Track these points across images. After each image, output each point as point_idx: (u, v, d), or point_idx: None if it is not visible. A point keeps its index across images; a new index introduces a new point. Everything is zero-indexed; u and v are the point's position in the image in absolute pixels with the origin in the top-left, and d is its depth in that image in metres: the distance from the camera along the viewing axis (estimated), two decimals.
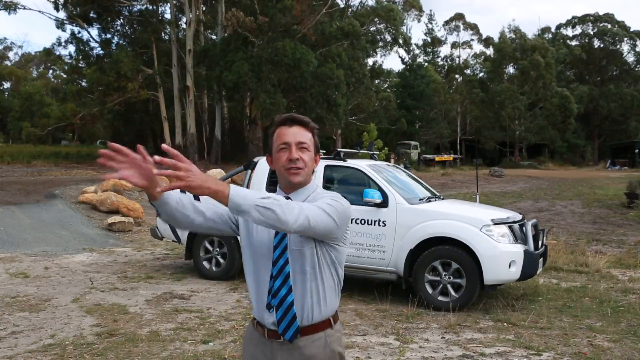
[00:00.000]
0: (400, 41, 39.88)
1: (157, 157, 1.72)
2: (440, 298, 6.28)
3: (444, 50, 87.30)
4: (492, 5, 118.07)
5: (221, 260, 7.61)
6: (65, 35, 57.85)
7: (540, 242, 6.61)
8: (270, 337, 2.02)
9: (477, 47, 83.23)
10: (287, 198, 1.96)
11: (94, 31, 50.48)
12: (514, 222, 6.44)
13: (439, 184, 23.34)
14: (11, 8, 27.97)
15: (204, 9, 33.17)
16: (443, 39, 61.04)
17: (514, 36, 49.81)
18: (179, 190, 1.86)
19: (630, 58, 56.68)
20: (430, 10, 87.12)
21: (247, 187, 7.73)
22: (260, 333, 2.05)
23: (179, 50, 29.46)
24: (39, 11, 61.59)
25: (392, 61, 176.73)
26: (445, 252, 6.29)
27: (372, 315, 5.99)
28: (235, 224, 2.08)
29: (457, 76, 58.60)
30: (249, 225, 2.04)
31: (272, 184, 7.41)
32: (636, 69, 56.55)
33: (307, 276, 1.99)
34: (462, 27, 59.27)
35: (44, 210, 11.99)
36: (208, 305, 6.30)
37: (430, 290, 6.34)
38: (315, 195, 2.06)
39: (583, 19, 57.89)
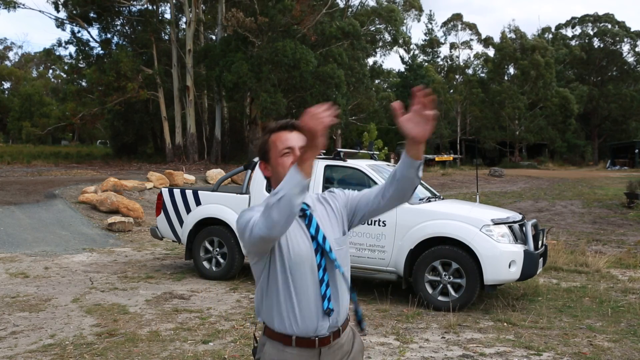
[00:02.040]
0: (401, 41, 39.88)
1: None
2: (440, 298, 6.28)
3: (444, 50, 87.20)
4: (489, 5, 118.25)
5: (221, 260, 7.61)
6: (65, 35, 57.96)
7: (540, 242, 6.61)
8: (321, 344, 1.97)
9: (477, 47, 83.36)
10: (304, 203, 1.99)
11: (94, 31, 50.54)
12: (514, 222, 6.45)
13: (439, 184, 23.34)
14: (11, 5, 27.95)
15: (203, 9, 33.17)
16: (442, 39, 61.07)
17: (514, 36, 49.80)
18: None
19: (630, 58, 56.66)
20: (430, 10, 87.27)
21: (247, 187, 7.73)
22: (303, 347, 1.96)
23: (179, 50, 29.46)
24: (39, 11, 61.73)
25: (392, 61, 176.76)
26: (445, 252, 6.30)
27: (372, 315, 5.99)
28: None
29: (457, 76, 58.60)
30: (288, 234, 1.96)
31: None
32: (636, 69, 56.53)
33: (343, 275, 2.02)
34: (460, 27, 59.27)
35: (44, 210, 11.99)
36: (208, 305, 6.30)
37: (430, 290, 6.34)
38: (314, 197, 2.11)
39: (583, 19, 57.88)
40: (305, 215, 2.01)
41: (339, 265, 1.98)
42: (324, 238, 1.98)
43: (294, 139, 2.00)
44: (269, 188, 7.31)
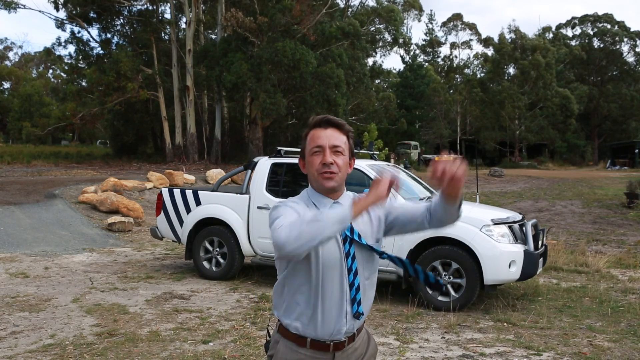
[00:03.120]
0: (401, 41, 39.90)
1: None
2: (440, 298, 6.28)
3: (444, 50, 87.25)
4: (489, 5, 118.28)
5: (221, 260, 7.61)
6: (65, 35, 57.96)
7: (540, 242, 6.61)
8: (335, 349, 1.95)
9: (477, 47, 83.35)
10: (337, 204, 1.95)
11: (94, 31, 50.59)
12: (514, 222, 6.44)
13: None
14: (11, 6, 27.95)
15: (203, 9, 33.17)
16: (442, 39, 61.12)
17: (514, 36, 49.81)
18: None
19: (630, 58, 56.65)
20: (431, 10, 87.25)
21: (247, 187, 7.73)
22: (316, 349, 1.94)
23: (179, 50, 29.46)
24: (39, 11, 61.74)
25: (392, 61, 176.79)
26: (445, 252, 6.29)
27: (372, 315, 5.98)
28: None
29: (457, 76, 58.61)
30: None
31: (272, 185, 7.41)
32: (636, 69, 56.52)
33: (369, 280, 2.01)
34: (460, 27, 59.33)
35: (44, 210, 11.99)
36: (208, 305, 6.30)
37: (430, 291, 6.34)
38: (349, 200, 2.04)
39: (583, 19, 57.88)
40: None
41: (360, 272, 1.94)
42: (360, 236, 1.93)
43: (327, 137, 1.94)
44: (269, 188, 7.33)
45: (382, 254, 1.96)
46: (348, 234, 1.92)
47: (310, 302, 1.91)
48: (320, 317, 1.91)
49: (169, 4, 30.50)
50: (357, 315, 1.93)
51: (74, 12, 29.81)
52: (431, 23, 61.48)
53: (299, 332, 1.93)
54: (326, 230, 1.67)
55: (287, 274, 1.95)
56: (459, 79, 57.58)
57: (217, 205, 7.68)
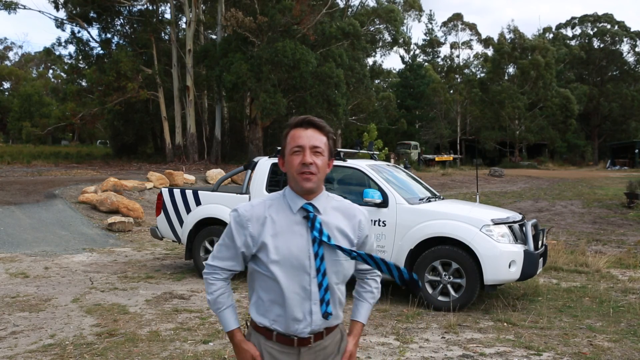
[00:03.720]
0: (401, 41, 39.91)
1: None
2: (440, 298, 6.28)
3: (444, 50, 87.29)
4: (488, 5, 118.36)
5: None
6: (65, 35, 57.99)
7: (540, 242, 6.61)
8: (300, 344, 1.99)
9: (477, 47, 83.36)
10: (310, 205, 1.98)
11: (94, 31, 50.61)
12: (514, 222, 6.44)
13: (439, 184, 23.35)
14: (11, 7, 27.95)
15: (203, 9, 33.17)
16: (442, 39, 61.13)
17: (513, 36, 49.82)
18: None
19: (630, 58, 56.71)
20: (430, 10, 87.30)
21: (247, 187, 7.73)
22: (282, 343, 2.00)
23: (179, 50, 29.46)
24: (39, 11, 61.76)
25: (392, 61, 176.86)
26: (445, 252, 6.29)
27: (372, 315, 5.98)
28: (247, 256, 2.05)
29: (457, 76, 58.61)
30: (277, 239, 1.97)
31: (272, 185, 7.41)
32: (636, 69, 56.53)
33: (340, 285, 2.06)
34: (460, 27, 59.33)
35: (44, 210, 11.99)
36: (208, 305, 6.29)
37: (430, 290, 6.34)
38: (333, 203, 2.06)
39: (583, 19, 57.91)
40: (308, 218, 1.97)
41: (329, 273, 1.99)
42: (329, 237, 1.95)
43: (307, 137, 1.96)
44: (269, 188, 7.33)
45: (351, 253, 1.98)
46: (317, 235, 1.95)
47: (273, 299, 1.97)
48: (284, 314, 1.96)
49: (169, 4, 30.50)
50: (325, 315, 1.97)
51: (74, 12, 29.81)
52: (431, 23, 61.54)
53: (266, 326, 2.00)
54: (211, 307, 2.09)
55: (249, 271, 2.05)
56: (459, 79, 57.57)
57: (217, 205, 7.67)
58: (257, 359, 2.00)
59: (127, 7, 31.56)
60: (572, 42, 58.03)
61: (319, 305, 1.96)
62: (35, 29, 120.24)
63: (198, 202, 7.84)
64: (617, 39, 55.30)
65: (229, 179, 14.89)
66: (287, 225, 1.97)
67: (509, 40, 48.85)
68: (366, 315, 2.20)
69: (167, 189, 8.28)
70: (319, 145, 1.96)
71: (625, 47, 56.40)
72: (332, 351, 2.06)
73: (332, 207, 2.04)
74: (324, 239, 1.95)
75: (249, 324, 2.10)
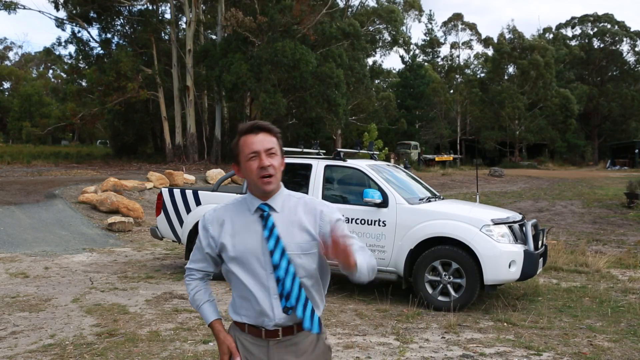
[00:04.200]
0: (401, 41, 39.91)
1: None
2: (440, 298, 6.28)
3: (444, 50, 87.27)
4: (488, 5, 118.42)
5: None
6: (65, 35, 58.00)
7: (540, 242, 6.61)
8: (267, 336, 2.06)
9: (477, 47, 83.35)
10: (265, 205, 2.07)
11: (94, 31, 50.62)
12: (514, 222, 6.44)
13: (439, 184, 23.35)
14: (11, 7, 27.96)
15: (203, 9, 33.18)
16: (442, 39, 61.13)
17: (512, 36, 49.81)
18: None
19: (630, 58, 56.70)
20: (430, 10, 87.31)
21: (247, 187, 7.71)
22: (254, 335, 2.10)
23: (179, 50, 29.46)
24: (39, 11, 61.76)
25: (392, 61, 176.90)
26: (445, 252, 6.29)
27: (372, 315, 5.99)
28: (218, 255, 2.17)
29: (457, 76, 58.61)
30: (235, 238, 2.08)
31: None
32: (636, 69, 56.53)
33: (309, 278, 2.07)
34: (460, 27, 59.33)
35: (44, 210, 11.99)
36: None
37: (430, 290, 6.34)
38: (290, 199, 2.12)
39: (583, 19, 57.91)
40: (263, 217, 2.06)
41: (293, 268, 2.02)
42: (278, 238, 2.02)
43: (259, 142, 2.04)
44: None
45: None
46: (267, 233, 2.03)
47: (241, 295, 2.09)
48: (252, 308, 2.07)
49: (169, 4, 30.50)
50: (285, 309, 2.02)
51: (74, 12, 29.81)
52: (431, 23, 61.53)
53: (239, 320, 2.13)
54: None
55: (224, 272, 2.18)
56: (459, 79, 57.58)
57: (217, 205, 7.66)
58: (232, 349, 2.12)
59: (127, 7, 31.57)
60: (572, 42, 58.02)
61: (278, 300, 2.02)
62: (35, 29, 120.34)
63: (198, 202, 7.84)
64: (617, 39, 55.30)
65: (229, 179, 14.89)
66: (244, 225, 2.08)
67: (508, 41, 48.84)
68: (361, 259, 2.00)
69: (167, 189, 8.28)
70: (272, 147, 2.05)
71: (625, 47, 56.45)
72: (305, 349, 2.09)
73: (292, 204, 2.10)
74: (273, 237, 2.02)
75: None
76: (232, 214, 2.12)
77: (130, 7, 31.83)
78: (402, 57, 54.24)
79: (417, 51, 59.03)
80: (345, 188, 7.24)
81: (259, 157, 2.02)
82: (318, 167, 7.13)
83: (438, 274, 6.32)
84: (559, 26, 60.64)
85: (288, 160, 7.38)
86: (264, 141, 2.04)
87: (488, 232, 6.16)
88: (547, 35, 59.68)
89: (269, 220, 2.04)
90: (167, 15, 32.08)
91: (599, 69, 56.83)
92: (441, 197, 7.76)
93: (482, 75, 53.92)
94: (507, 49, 47.29)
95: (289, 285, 2.00)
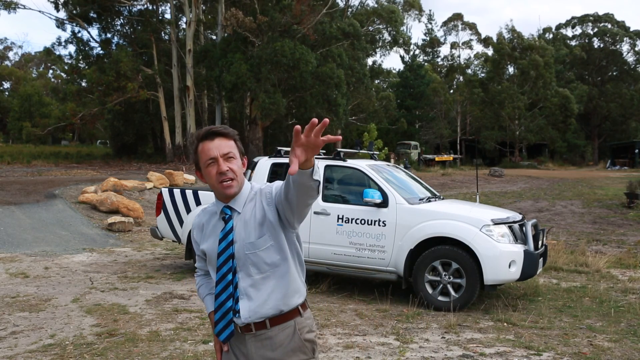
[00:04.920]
0: (400, 41, 39.90)
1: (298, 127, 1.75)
2: (440, 298, 6.28)
3: (444, 50, 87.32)
4: (487, 5, 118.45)
5: None
6: (65, 35, 57.98)
7: (540, 242, 6.61)
8: (243, 331, 2.12)
9: (477, 47, 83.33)
10: (228, 207, 2.10)
11: (94, 31, 50.64)
12: (514, 222, 6.44)
13: (439, 184, 23.34)
14: (11, 7, 27.97)
15: (203, 9, 33.17)
16: (442, 39, 61.11)
17: (511, 36, 49.81)
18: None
19: (630, 58, 56.69)
20: (430, 10, 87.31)
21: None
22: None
23: (179, 50, 29.46)
24: (39, 11, 61.78)
25: (392, 61, 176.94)
26: (445, 252, 6.29)
27: (372, 315, 5.99)
28: None
29: (457, 76, 58.61)
30: (206, 242, 2.18)
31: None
32: (636, 69, 56.53)
33: (268, 274, 2.09)
34: (460, 27, 59.32)
35: (44, 210, 11.99)
36: None
37: (430, 290, 6.34)
38: (252, 195, 2.13)
39: (583, 19, 57.91)
40: (225, 220, 2.11)
41: (239, 273, 2.08)
42: (230, 243, 2.07)
43: (216, 148, 2.06)
44: None
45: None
46: (221, 235, 2.09)
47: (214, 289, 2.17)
48: (217, 302, 2.13)
49: (169, 4, 30.50)
50: (234, 312, 2.09)
51: (74, 12, 29.82)
52: (430, 23, 61.54)
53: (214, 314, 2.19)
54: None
55: None
56: (460, 79, 57.57)
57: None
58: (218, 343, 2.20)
59: (127, 7, 31.57)
60: (572, 42, 58.02)
61: (232, 302, 2.09)
62: (35, 29, 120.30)
63: (198, 202, 7.84)
64: (617, 38, 55.29)
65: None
66: (213, 229, 2.16)
67: (507, 40, 48.83)
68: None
69: (167, 189, 8.28)
70: (229, 151, 2.07)
71: (625, 47, 56.45)
72: (280, 343, 2.11)
73: (250, 198, 2.13)
74: (225, 241, 2.07)
75: None
76: (208, 217, 2.21)
77: (130, 7, 31.84)
78: (402, 57, 54.29)
79: (417, 51, 59.06)
80: (346, 188, 7.24)
81: (217, 163, 2.05)
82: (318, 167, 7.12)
83: (438, 274, 6.32)
84: (559, 26, 60.65)
85: (287, 160, 7.41)
86: (220, 146, 2.06)
87: (488, 232, 6.16)
88: (547, 35, 59.69)
89: (228, 223, 2.10)
90: (167, 15, 32.11)
91: (599, 69, 56.83)
92: (441, 197, 7.76)
93: (482, 75, 53.90)
94: (507, 49, 47.27)
95: (244, 287, 2.08)
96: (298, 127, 1.73)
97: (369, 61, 42.98)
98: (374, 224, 6.59)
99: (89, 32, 37.58)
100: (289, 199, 1.95)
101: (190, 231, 7.72)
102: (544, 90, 46.64)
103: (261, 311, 2.08)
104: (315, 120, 1.73)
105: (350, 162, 7.15)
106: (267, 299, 2.08)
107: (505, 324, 5.73)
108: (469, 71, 58.07)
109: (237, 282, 2.09)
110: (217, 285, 2.10)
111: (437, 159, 39.86)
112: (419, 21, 71.43)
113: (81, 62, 33.12)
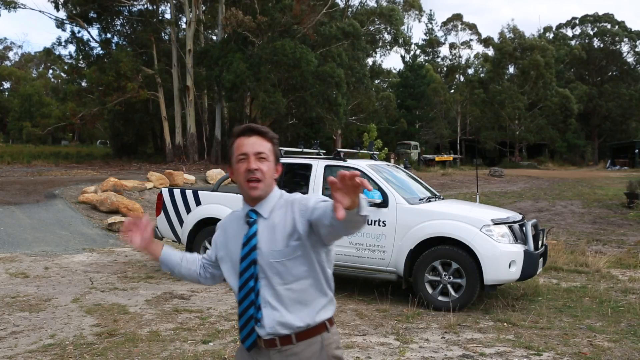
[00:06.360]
0: (401, 41, 39.90)
1: (331, 178, 1.67)
2: (440, 298, 6.28)
3: (444, 50, 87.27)
4: (486, 6, 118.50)
5: None
6: (65, 35, 57.89)
7: (540, 242, 6.61)
8: (267, 346, 2.01)
9: (477, 47, 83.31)
10: (253, 211, 2.03)
11: (94, 31, 50.58)
12: (514, 222, 6.44)
13: (439, 184, 23.34)
14: (11, 6, 27.98)
15: (203, 9, 33.18)
16: (442, 39, 61.11)
17: (512, 36, 49.81)
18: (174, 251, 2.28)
19: (630, 58, 56.72)
20: (430, 10, 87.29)
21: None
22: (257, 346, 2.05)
23: (179, 50, 29.46)
24: (39, 11, 61.60)
25: (392, 61, 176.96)
26: (445, 252, 6.29)
27: (372, 315, 5.98)
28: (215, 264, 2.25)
29: (457, 76, 58.61)
30: (227, 242, 2.11)
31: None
32: (636, 69, 56.53)
33: (291, 285, 1.99)
34: (460, 27, 59.32)
35: (44, 210, 11.98)
36: (208, 305, 6.30)
37: (430, 290, 6.34)
38: (282, 202, 2.03)
39: (583, 20, 57.94)
40: (249, 223, 2.03)
41: (261, 280, 2.00)
42: (253, 248, 1.99)
43: (250, 145, 2.00)
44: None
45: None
46: (244, 239, 2.02)
47: (236, 300, 2.08)
48: (241, 318, 2.05)
49: (169, 4, 30.50)
50: (255, 320, 2.00)
51: (74, 12, 29.81)
52: (431, 23, 61.53)
53: (239, 329, 2.09)
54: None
55: None
56: (461, 79, 57.55)
57: (217, 205, 7.67)
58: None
59: (127, 7, 31.57)
60: (572, 42, 58.02)
61: (255, 310, 2.01)
62: (35, 29, 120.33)
63: (198, 202, 7.84)
64: (617, 39, 55.30)
65: (229, 179, 14.89)
66: (236, 232, 2.08)
67: (509, 40, 48.81)
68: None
69: (167, 189, 8.28)
70: (262, 151, 2.00)
71: (625, 47, 56.47)
72: (307, 359, 2.01)
73: (280, 206, 2.04)
74: (248, 245, 2.00)
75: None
76: (234, 220, 2.14)
77: (130, 7, 31.84)
78: (402, 57, 54.29)
79: (418, 51, 59.04)
80: None
81: (247, 160, 1.99)
82: (318, 167, 7.13)
83: (438, 274, 6.32)
84: (559, 26, 60.69)
85: (288, 160, 7.41)
86: (255, 144, 2.00)
87: (488, 232, 6.16)
88: (547, 35, 59.68)
89: (252, 227, 2.02)
90: (167, 15, 32.11)
91: (599, 69, 56.84)
92: (441, 197, 7.76)
93: (482, 75, 53.91)
94: (509, 48, 47.25)
95: (266, 295, 2.00)
96: (332, 178, 1.70)
97: (369, 61, 42.99)
98: (374, 224, 6.59)
99: (89, 32, 37.60)
100: (333, 227, 1.83)
101: (190, 231, 7.74)
102: (544, 90, 46.63)
103: (286, 323, 1.98)
104: (345, 172, 1.66)
105: (350, 162, 7.15)
106: (292, 310, 1.99)
107: (505, 324, 5.73)
108: (472, 71, 58.08)
109: (259, 289, 2.00)
110: (240, 291, 2.03)
111: (437, 159, 39.85)
112: (419, 21, 71.48)
113: (81, 62, 33.14)
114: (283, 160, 7.45)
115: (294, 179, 7.37)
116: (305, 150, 8.09)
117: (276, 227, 2.00)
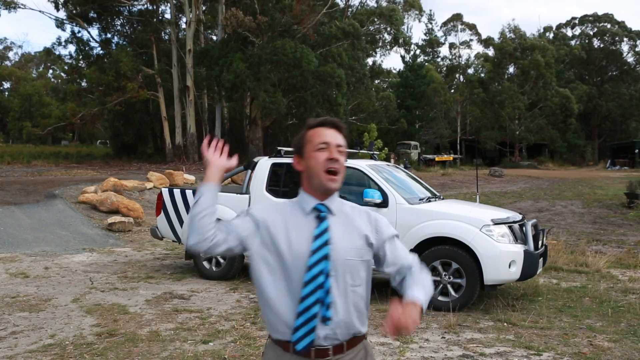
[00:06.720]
0: (401, 41, 39.91)
1: None
2: (440, 298, 6.28)
3: (444, 50, 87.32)
4: (485, 6, 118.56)
5: (221, 260, 7.60)
6: (65, 35, 57.95)
7: (540, 242, 6.61)
8: (318, 356, 1.87)
9: (477, 48, 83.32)
10: (323, 205, 1.93)
11: (94, 31, 50.58)
12: (514, 222, 6.44)
13: (439, 184, 23.34)
14: (11, 6, 28.00)
15: (203, 9, 33.19)
16: (442, 39, 61.10)
17: (513, 35, 49.81)
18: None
19: (630, 58, 56.70)
20: (430, 10, 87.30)
21: (247, 187, 7.72)
22: (299, 356, 1.88)
23: (179, 50, 29.47)
24: (39, 11, 61.58)
25: (392, 61, 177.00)
26: (445, 252, 6.29)
27: (372, 315, 5.98)
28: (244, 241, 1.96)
29: (457, 76, 58.60)
30: (288, 234, 1.90)
31: (272, 185, 7.41)
32: (636, 69, 56.53)
33: (357, 288, 1.93)
34: (460, 27, 59.32)
35: (44, 210, 11.99)
36: (208, 305, 6.30)
37: None
38: (354, 208, 2.01)
39: (583, 20, 57.94)
40: (319, 217, 1.92)
41: (334, 276, 1.87)
42: (326, 242, 1.87)
43: (332, 136, 1.95)
44: (269, 188, 7.33)
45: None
46: (317, 232, 1.89)
47: (282, 303, 1.87)
48: (295, 319, 1.86)
49: (169, 4, 30.51)
50: (323, 319, 1.84)
51: (74, 12, 29.83)
52: (430, 23, 61.50)
53: (281, 338, 1.89)
54: (192, 211, 1.96)
55: (257, 278, 1.94)
56: (461, 79, 57.55)
57: (217, 205, 7.65)
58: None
59: (127, 7, 31.59)
60: (572, 42, 58.03)
61: (321, 309, 1.85)
62: (35, 29, 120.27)
63: None
64: (617, 39, 55.29)
65: (229, 179, 14.89)
66: (298, 225, 1.92)
67: (510, 40, 48.81)
68: (424, 296, 1.96)
69: (167, 189, 8.28)
70: (342, 144, 1.96)
71: (625, 47, 56.46)
72: None
73: (348, 210, 1.99)
74: (321, 239, 1.87)
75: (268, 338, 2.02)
76: (292, 211, 1.96)
77: (130, 7, 31.86)
78: (402, 57, 54.28)
79: (418, 51, 59.04)
80: (345, 188, 7.21)
81: (329, 149, 1.91)
82: None
83: (438, 274, 6.32)
84: (559, 26, 60.67)
85: (288, 160, 7.41)
86: (336, 136, 1.95)
87: (488, 232, 6.16)
88: (547, 35, 59.68)
89: (324, 222, 1.90)
90: (167, 15, 32.14)
91: (599, 69, 56.83)
92: (441, 197, 7.76)
93: (482, 75, 53.91)
94: (510, 48, 47.25)
95: (334, 294, 1.86)
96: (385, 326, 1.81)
97: (369, 61, 43.00)
98: None
99: (89, 32, 37.62)
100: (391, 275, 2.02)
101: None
102: (544, 90, 46.63)
103: (351, 325, 1.90)
104: (392, 327, 1.78)
105: (350, 162, 7.14)
106: (354, 314, 1.91)
107: (505, 324, 5.73)
108: (472, 71, 58.07)
109: (330, 287, 1.85)
110: (305, 287, 1.84)
111: (437, 159, 39.85)
112: (419, 21, 71.42)
113: (81, 62, 33.17)
114: (283, 160, 7.46)
115: (294, 179, 7.37)
116: None
117: (351, 226, 1.95)
